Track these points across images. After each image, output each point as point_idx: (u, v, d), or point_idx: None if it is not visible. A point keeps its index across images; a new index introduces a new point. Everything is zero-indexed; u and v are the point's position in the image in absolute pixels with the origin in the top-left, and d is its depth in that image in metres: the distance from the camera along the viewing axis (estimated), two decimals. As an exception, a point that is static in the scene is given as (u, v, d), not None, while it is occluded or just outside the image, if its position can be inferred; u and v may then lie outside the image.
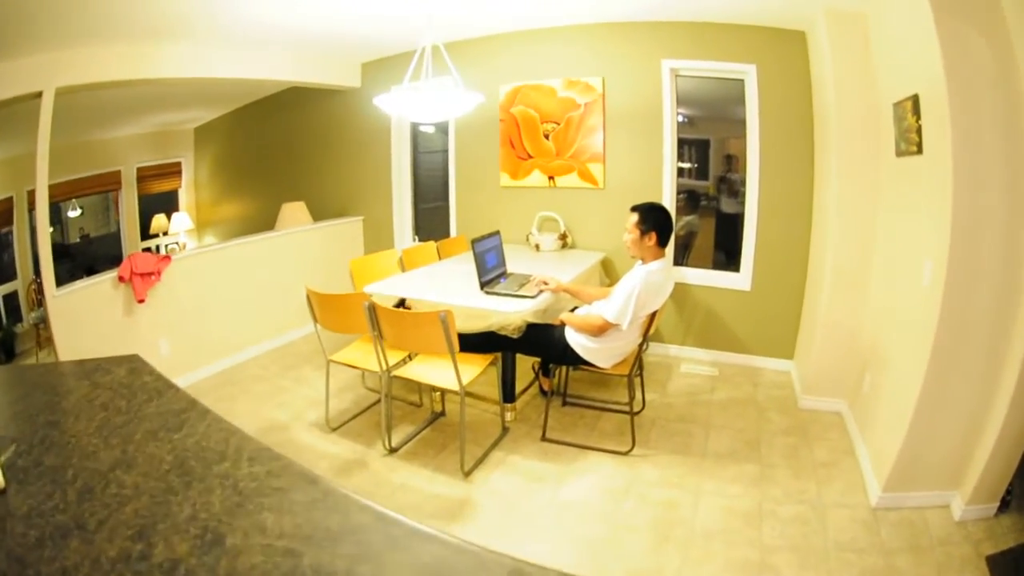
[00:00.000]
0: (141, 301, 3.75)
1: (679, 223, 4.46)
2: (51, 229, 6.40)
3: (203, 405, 1.60)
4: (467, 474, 2.98)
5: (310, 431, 3.47)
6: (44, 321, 4.20)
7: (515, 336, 3.03)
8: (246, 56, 4.43)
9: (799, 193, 3.95)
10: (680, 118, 4.36)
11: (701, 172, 4.61)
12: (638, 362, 3.18)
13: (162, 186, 7.11)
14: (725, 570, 2.34)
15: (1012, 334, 2.34)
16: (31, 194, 5.84)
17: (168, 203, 7.22)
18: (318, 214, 5.63)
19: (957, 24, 2.24)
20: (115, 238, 6.95)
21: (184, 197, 7.25)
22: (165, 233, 7.01)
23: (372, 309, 2.93)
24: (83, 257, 6.59)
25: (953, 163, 2.26)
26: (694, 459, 3.12)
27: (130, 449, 1.34)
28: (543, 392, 3.72)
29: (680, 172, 4.45)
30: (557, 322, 3.20)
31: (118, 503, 1.13)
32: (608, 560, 2.42)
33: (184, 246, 7.05)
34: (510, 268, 3.62)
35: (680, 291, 4.38)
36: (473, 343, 3.09)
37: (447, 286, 3.42)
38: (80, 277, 3.75)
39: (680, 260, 4.59)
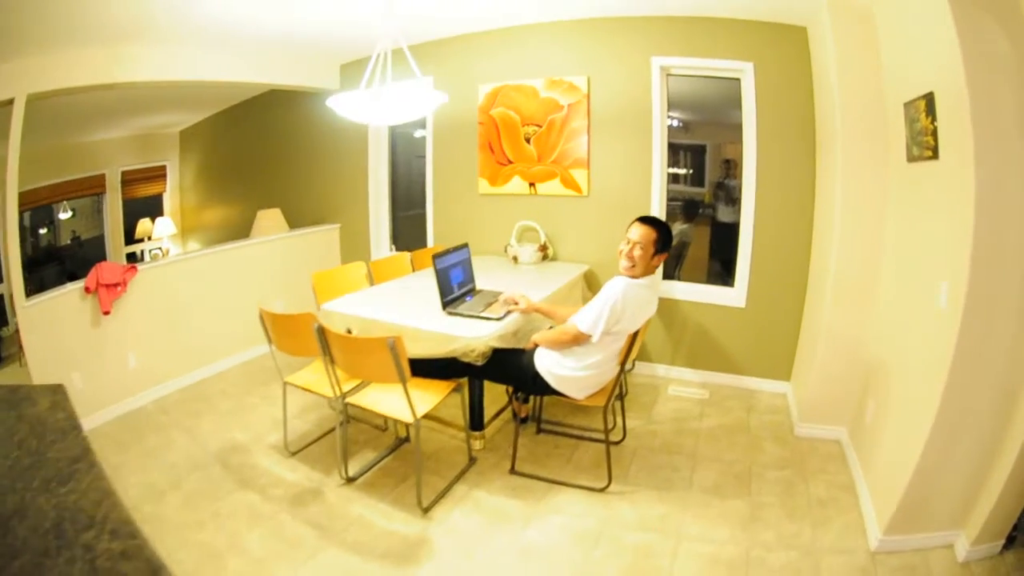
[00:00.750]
0: (106, 313, 3.52)
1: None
2: (43, 231, 6.29)
3: (94, 456, 1.47)
4: (426, 510, 2.68)
5: (269, 454, 3.20)
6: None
7: (479, 363, 2.71)
8: (219, 58, 4.17)
9: (799, 202, 3.60)
10: (675, 122, 4.03)
11: (697, 179, 4.27)
12: (616, 391, 2.84)
13: (147, 190, 6.86)
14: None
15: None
16: (20, 196, 5.66)
17: (155, 207, 6.99)
18: (295, 221, 5.36)
19: (976, 14, 1.93)
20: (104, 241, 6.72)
21: (168, 202, 7.01)
22: (149, 238, 6.77)
23: (321, 332, 2.64)
24: (72, 260, 6.41)
25: (975, 170, 1.94)
26: (677, 496, 2.78)
27: (27, 497, 1.27)
28: (517, 419, 3.38)
29: (675, 179, 4.12)
30: (529, 346, 2.87)
31: (10, 555, 1.08)
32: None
33: (167, 252, 6.82)
34: (482, 284, 3.30)
35: (669, 307, 4.04)
36: (437, 367, 2.79)
37: (410, 305, 3.10)
38: (68, 280, 3.57)
39: (671, 273, 4.24)
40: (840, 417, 3.15)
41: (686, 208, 4.26)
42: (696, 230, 4.33)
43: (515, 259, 4.12)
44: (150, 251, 6.84)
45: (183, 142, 6.82)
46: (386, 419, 3.38)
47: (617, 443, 3.23)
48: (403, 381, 2.49)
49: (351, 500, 2.79)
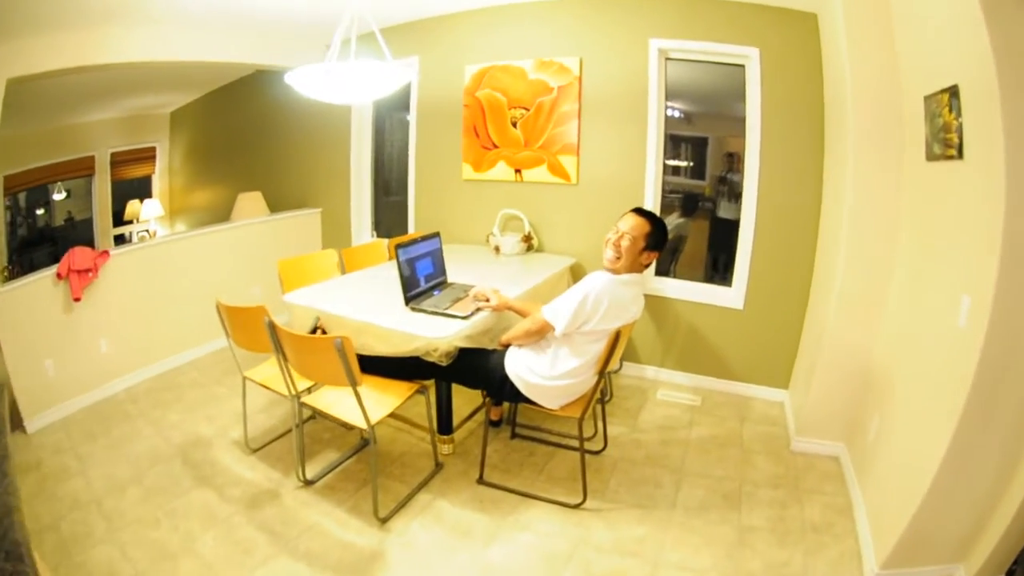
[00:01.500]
0: (77, 299, 3.33)
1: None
2: (40, 211, 6.07)
3: (8, 465, 1.35)
4: (384, 520, 2.42)
5: (231, 450, 2.98)
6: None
7: (443, 363, 2.42)
8: (202, 38, 3.88)
9: (804, 199, 3.26)
10: (676, 113, 3.68)
11: (698, 172, 3.92)
12: (594, 401, 2.53)
13: (136, 172, 6.59)
14: None
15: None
16: (6, 179, 5.44)
17: (145, 189, 6.73)
18: (276, 205, 5.07)
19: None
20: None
21: (158, 183, 6.73)
22: (138, 220, 6.52)
23: (272, 328, 2.36)
24: (66, 241, 6.16)
25: (1005, 172, 1.64)
26: (659, 516, 2.49)
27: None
28: (491, 422, 3.10)
29: (675, 171, 3.78)
30: (499, 346, 2.57)
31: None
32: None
33: (154, 234, 6.54)
34: (457, 276, 2.99)
35: (662, 305, 3.71)
36: (405, 366, 2.51)
37: (375, 298, 2.80)
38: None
39: (665, 269, 3.90)
40: (839, 432, 2.85)
41: (684, 201, 3.91)
42: (694, 225, 3.98)
43: (497, 249, 3.81)
44: (137, 233, 6.59)
45: (173, 123, 6.53)
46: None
47: (597, 453, 2.93)
48: (353, 385, 2.21)
49: (307, 504, 2.55)
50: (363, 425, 2.30)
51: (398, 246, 2.59)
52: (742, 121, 3.42)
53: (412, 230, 4.40)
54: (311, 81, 2.51)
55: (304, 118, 4.86)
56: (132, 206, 6.51)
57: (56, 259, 3.40)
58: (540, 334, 2.39)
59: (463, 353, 2.46)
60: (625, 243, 2.32)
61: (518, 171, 3.90)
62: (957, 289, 1.92)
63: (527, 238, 3.79)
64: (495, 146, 3.95)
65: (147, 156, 6.55)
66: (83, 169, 6.10)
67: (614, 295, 2.28)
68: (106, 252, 3.51)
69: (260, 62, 4.32)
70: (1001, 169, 1.65)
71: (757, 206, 3.40)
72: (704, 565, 2.20)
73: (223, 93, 5.69)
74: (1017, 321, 1.70)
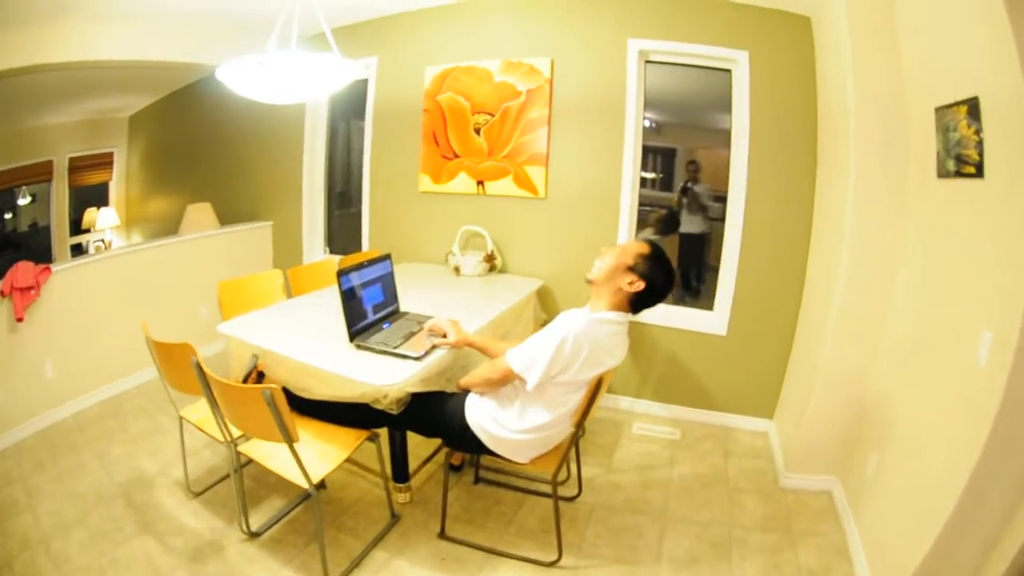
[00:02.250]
0: (19, 320, 2.97)
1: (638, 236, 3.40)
2: (8, 216, 5.55)
3: None
4: (335, 583, 2.06)
5: (173, 492, 2.63)
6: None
7: (394, 411, 2.04)
8: (143, 34, 3.45)
9: (794, 215, 2.96)
10: (646, 122, 3.33)
11: (666, 185, 3.60)
12: (569, 453, 2.17)
13: (94, 178, 6.08)
14: None
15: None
16: None
17: (104, 196, 6.22)
18: (227, 217, 4.61)
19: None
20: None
21: (115, 191, 6.21)
22: (94, 229, 6.01)
23: (200, 370, 1.98)
24: (28, 248, 5.74)
25: None
26: (643, 573, 2.17)
27: None
28: (452, 468, 2.72)
29: (642, 183, 3.43)
30: (457, 388, 2.19)
31: None
32: None
33: (110, 244, 6.05)
34: (411, 302, 2.61)
35: (638, 331, 3.29)
36: (352, 410, 2.13)
37: (318, 330, 2.41)
38: None
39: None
40: (831, 465, 2.57)
41: (663, 217, 3.56)
42: (667, 241, 3.64)
43: (457, 270, 3.41)
44: (93, 243, 6.08)
45: (131, 128, 6.02)
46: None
47: (571, 500, 2.59)
48: (288, 441, 1.83)
49: (252, 560, 2.20)
50: (303, 484, 1.92)
51: (340, 272, 2.19)
52: (713, 132, 3.15)
53: (366, 246, 3.99)
54: (244, 76, 2.10)
55: (256, 124, 4.41)
56: (89, 214, 6.00)
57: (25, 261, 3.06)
58: (503, 383, 2.01)
59: (416, 398, 2.08)
60: (606, 261, 1.92)
61: (480, 183, 3.51)
62: (974, 322, 1.67)
63: (490, 257, 3.40)
64: (456, 155, 3.55)
65: (105, 162, 6.06)
66: (42, 174, 5.63)
67: (594, 338, 1.87)
68: (47, 268, 3.13)
69: (200, 61, 3.84)
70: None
71: (744, 222, 3.07)
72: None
73: (180, 97, 5.22)
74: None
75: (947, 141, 1.81)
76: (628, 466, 2.90)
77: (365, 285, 2.33)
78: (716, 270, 3.25)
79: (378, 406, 2.03)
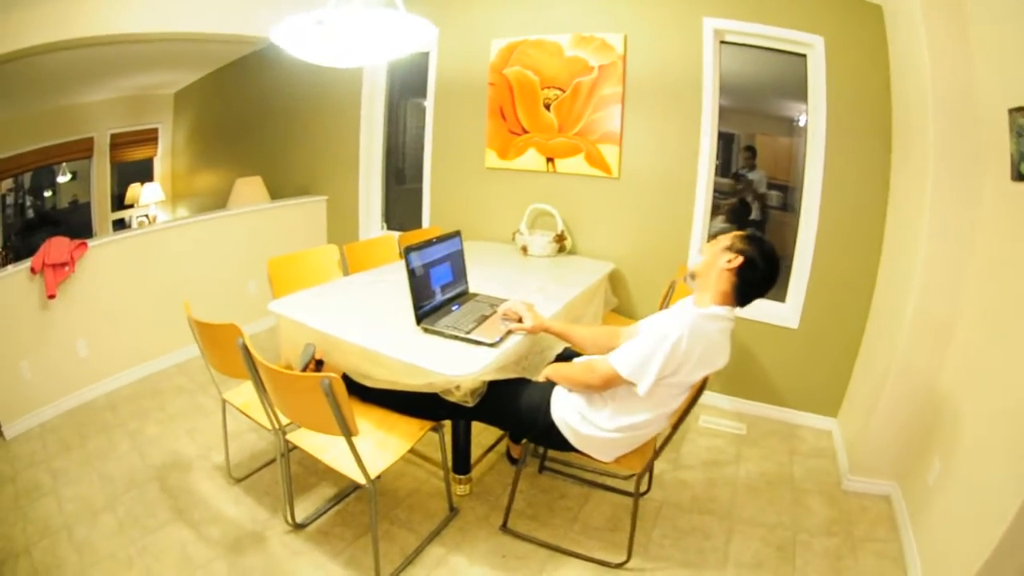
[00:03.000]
0: (51, 297, 2.77)
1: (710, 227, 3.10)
2: (48, 193, 5.45)
3: None
4: (388, 580, 1.83)
5: (212, 477, 2.40)
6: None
7: (469, 404, 1.79)
8: (194, 5, 3.22)
9: (867, 209, 2.65)
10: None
11: (723, 170, 3.25)
12: (656, 454, 1.90)
13: (137, 154, 5.84)
14: None
15: None
16: (2, 163, 4.77)
17: (148, 172, 6.00)
18: (278, 192, 4.35)
19: None
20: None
21: (160, 166, 5.98)
22: (138, 204, 5.84)
23: (247, 352, 1.74)
24: (68, 225, 5.50)
25: None
26: (707, 578, 1.91)
27: None
28: (511, 460, 2.48)
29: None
30: (541, 379, 1.91)
31: None
32: None
33: (154, 219, 5.84)
34: (479, 283, 2.35)
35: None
36: (415, 400, 1.87)
37: (380, 310, 2.17)
38: None
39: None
40: (892, 470, 2.35)
41: (735, 208, 3.21)
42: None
43: (524, 250, 3.12)
44: (136, 218, 5.88)
45: (177, 103, 5.77)
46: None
47: (641, 495, 2.31)
48: (347, 435, 1.60)
49: (297, 554, 1.98)
50: (360, 479, 1.69)
51: (408, 249, 1.93)
52: (773, 118, 2.86)
53: (427, 223, 3.72)
54: (301, 36, 1.85)
55: (310, 96, 4.16)
56: (133, 189, 5.79)
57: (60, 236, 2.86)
58: (605, 388, 1.72)
59: (492, 387, 1.83)
60: (704, 255, 1.68)
61: (550, 160, 3.21)
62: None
63: (560, 238, 3.10)
64: (525, 131, 3.24)
65: (149, 138, 5.81)
66: (81, 151, 5.39)
67: (707, 336, 1.61)
68: (84, 243, 2.90)
69: (253, 33, 3.60)
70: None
71: (819, 214, 2.75)
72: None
73: (229, 71, 4.94)
74: None
75: (1020, 145, 1.65)
76: (695, 461, 2.63)
77: (433, 264, 2.06)
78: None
79: (450, 398, 1.77)
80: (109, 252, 3.09)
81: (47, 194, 5.46)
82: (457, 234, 2.21)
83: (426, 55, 3.58)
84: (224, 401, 2.20)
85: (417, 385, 1.78)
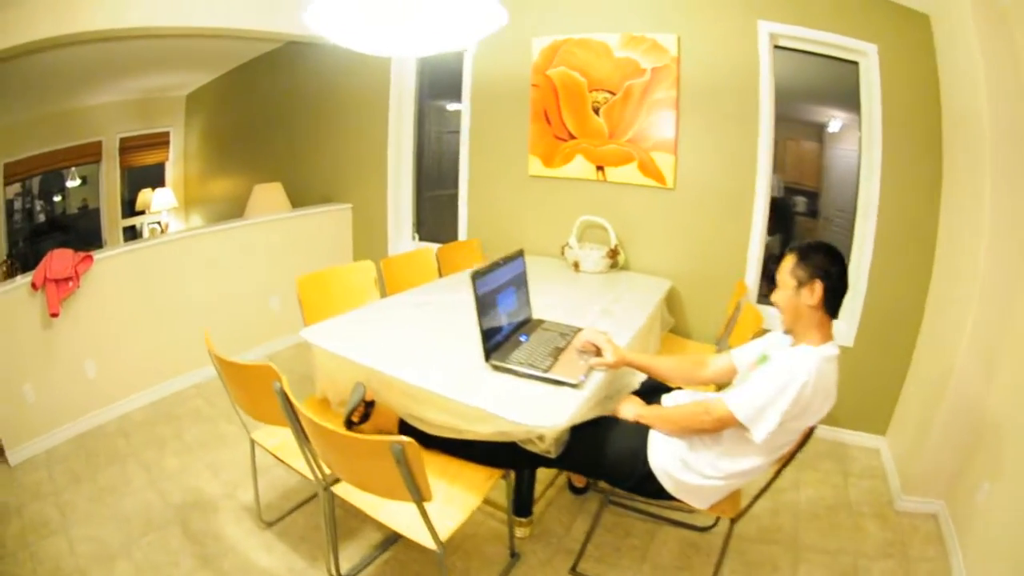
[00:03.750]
0: (54, 315, 2.43)
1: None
2: (57, 198, 5.07)
3: None
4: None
5: (240, 519, 2.08)
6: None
7: (551, 454, 1.47)
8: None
9: (921, 226, 2.44)
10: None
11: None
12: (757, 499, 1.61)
13: (147, 158, 5.46)
14: None
15: None
16: (8, 167, 4.40)
17: (159, 177, 5.62)
18: (299, 199, 3.99)
19: None
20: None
21: (171, 171, 5.60)
22: (149, 210, 5.46)
23: (286, 400, 1.42)
24: (76, 230, 5.15)
25: None
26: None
27: None
28: (573, 489, 2.18)
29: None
30: (630, 417, 1.59)
31: None
32: None
33: (166, 226, 5.47)
34: (537, 310, 2.02)
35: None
36: (483, 447, 1.55)
37: (434, 340, 1.84)
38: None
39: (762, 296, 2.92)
40: (941, 489, 2.23)
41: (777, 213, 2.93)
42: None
43: (576, 265, 2.80)
44: (148, 224, 5.50)
45: (189, 106, 5.39)
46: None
47: (706, 529, 2.07)
48: (418, 501, 1.28)
49: None
50: (429, 544, 1.38)
51: (475, 275, 1.60)
52: (796, 123, 2.69)
53: (463, 235, 3.38)
54: (340, 18, 1.51)
55: (333, 99, 3.82)
56: (143, 195, 5.39)
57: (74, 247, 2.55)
58: (715, 431, 1.46)
59: (576, 432, 1.52)
60: (778, 301, 1.48)
61: (600, 168, 2.88)
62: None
63: (613, 252, 2.77)
64: (572, 136, 2.91)
65: (160, 142, 5.42)
66: (90, 155, 5.00)
67: (828, 378, 1.39)
68: (89, 256, 2.55)
69: (275, 30, 3.25)
70: None
71: (877, 229, 2.52)
72: None
73: (244, 72, 4.59)
74: None
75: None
76: (755, 488, 2.38)
77: (499, 289, 1.74)
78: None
79: (532, 448, 1.46)
80: (118, 265, 2.73)
81: (56, 199, 5.09)
82: (520, 255, 1.89)
83: (457, 54, 3.25)
84: (253, 442, 1.87)
85: (487, 434, 1.46)
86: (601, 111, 2.81)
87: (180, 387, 3.02)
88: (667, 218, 2.80)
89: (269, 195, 3.85)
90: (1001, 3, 1.84)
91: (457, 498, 1.52)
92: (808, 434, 1.43)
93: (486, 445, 1.51)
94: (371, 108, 3.60)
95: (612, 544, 1.99)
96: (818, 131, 2.75)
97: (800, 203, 2.90)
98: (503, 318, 1.74)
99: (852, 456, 2.65)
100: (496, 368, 1.60)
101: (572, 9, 2.86)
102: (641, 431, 1.55)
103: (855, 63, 2.53)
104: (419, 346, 1.80)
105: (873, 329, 2.59)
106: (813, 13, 2.47)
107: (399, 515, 1.45)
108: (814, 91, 2.64)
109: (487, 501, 2.08)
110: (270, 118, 4.38)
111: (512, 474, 1.74)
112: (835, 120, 2.77)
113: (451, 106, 3.58)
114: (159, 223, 5.46)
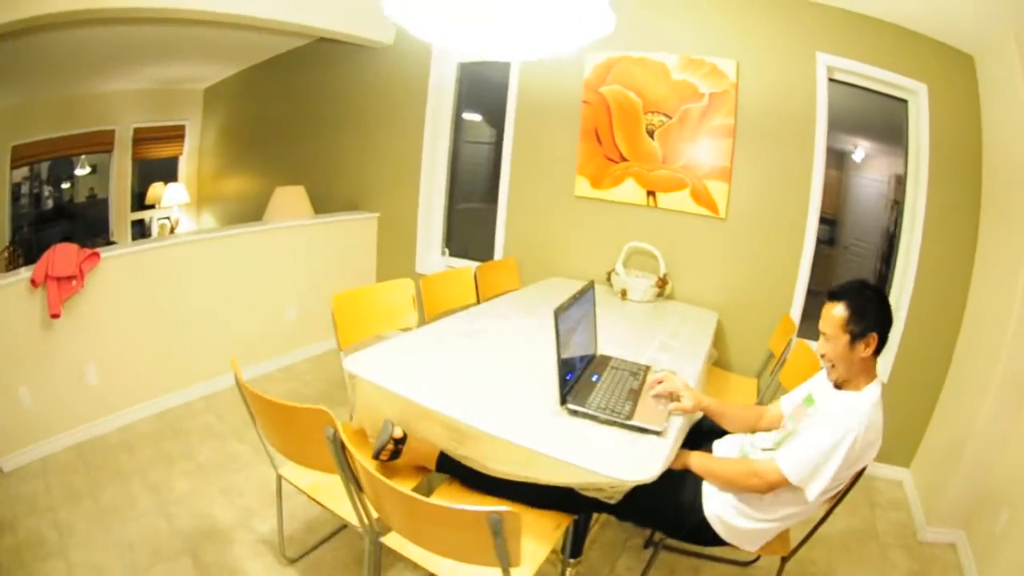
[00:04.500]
0: (55, 316, 2.16)
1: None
2: (65, 185, 4.79)
3: None
4: None
5: (259, 554, 1.83)
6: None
7: (613, 500, 1.30)
8: None
9: (959, 263, 2.37)
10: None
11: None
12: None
13: (161, 151, 5.17)
14: None
15: None
16: (16, 150, 4.14)
17: (172, 171, 5.32)
18: (320, 205, 3.74)
19: None
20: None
21: (185, 166, 5.30)
22: (159, 205, 5.15)
23: (341, 449, 1.20)
24: (84, 219, 4.88)
25: None
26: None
27: None
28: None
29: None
30: (678, 466, 1.44)
31: None
32: None
33: (177, 222, 5.18)
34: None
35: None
36: (537, 489, 1.36)
37: (494, 378, 1.64)
38: (76, 241, 2.36)
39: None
40: (960, 518, 2.19)
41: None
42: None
43: (624, 294, 2.59)
44: (158, 220, 5.20)
45: (207, 100, 5.12)
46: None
47: (748, 564, 1.94)
48: (506, 569, 1.07)
49: None
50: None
51: (558, 311, 1.39)
52: (829, 151, 2.53)
53: (499, 253, 3.16)
54: (429, 12, 1.31)
55: (365, 102, 3.61)
56: (154, 189, 5.09)
57: (66, 238, 2.31)
58: (767, 491, 1.36)
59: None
60: (828, 351, 1.39)
61: (651, 193, 2.69)
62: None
63: (662, 282, 2.59)
64: (623, 158, 2.73)
65: (175, 135, 5.14)
66: (101, 144, 4.71)
67: (876, 424, 1.33)
68: (95, 253, 2.29)
69: (311, 24, 3.00)
70: None
71: (919, 265, 2.42)
72: None
73: (267, 68, 4.35)
74: None
75: None
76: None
77: (574, 326, 1.55)
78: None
79: (589, 493, 1.29)
80: (126, 264, 2.45)
81: (64, 186, 4.80)
82: (591, 287, 1.69)
83: (495, 64, 3.10)
84: (280, 478, 1.62)
85: (559, 482, 1.27)
86: (656, 134, 2.64)
87: (188, 399, 2.74)
88: (715, 248, 2.63)
89: (291, 199, 3.59)
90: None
91: (525, 549, 1.32)
92: (859, 475, 1.38)
93: (540, 487, 1.33)
94: (406, 114, 3.39)
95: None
96: (839, 158, 2.65)
97: (821, 231, 2.79)
98: (575, 355, 1.55)
99: (877, 488, 2.59)
100: (574, 413, 1.40)
101: (629, 26, 2.67)
102: (696, 479, 1.44)
103: (889, 95, 2.45)
104: (476, 381, 1.58)
105: (905, 366, 2.49)
106: (868, 47, 2.37)
107: (460, 568, 1.24)
108: (840, 118, 2.54)
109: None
110: (294, 118, 4.14)
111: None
112: (859, 148, 2.68)
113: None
114: (168, 218, 5.17)
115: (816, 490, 1.29)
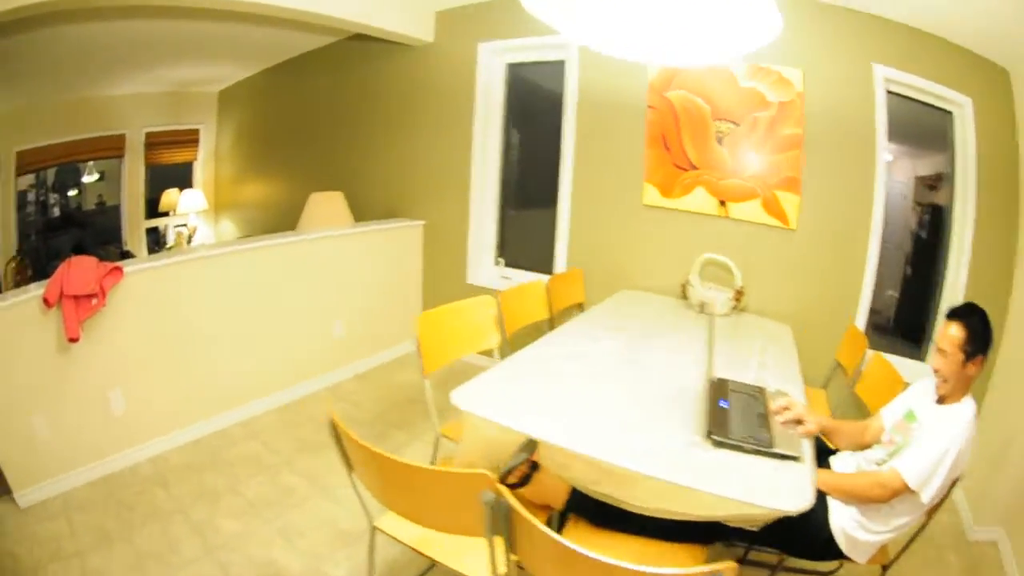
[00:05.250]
0: (73, 340, 1.92)
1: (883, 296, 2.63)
2: (72, 192, 4.50)
3: None
4: None
5: None
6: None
7: (757, 529, 1.25)
8: None
9: (1003, 267, 2.35)
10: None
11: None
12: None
13: (175, 156, 4.93)
14: None
15: None
16: (21, 155, 3.89)
17: (186, 177, 5.08)
18: (359, 212, 3.52)
19: None
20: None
21: (200, 172, 5.06)
22: (175, 212, 4.89)
23: (506, 515, 1.01)
24: (94, 227, 4.61)
25: None
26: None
27: None
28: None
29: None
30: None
31: None
32: None
33: (194, 230, 4.91)
34: (654, 344, 1.76)
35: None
36: (671, 523, 1.26)
37: (617, 407, 1.49)
38: (83, 251, 2.21)
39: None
40: (1000, 516, 2.18)
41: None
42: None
43: (702, 307, 2.48)
44: (174, 227, 4.93)
45: (222, 104, 4.90)
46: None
47: (832, 573, 1.82)
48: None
49: None
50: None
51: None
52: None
53: (561, 264, 3.00)
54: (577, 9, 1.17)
55: (405, 102, 3.42)
56: (169, 196, 4.82)
57: (78, 248, 2.13)
58: (890, 498, 1.40)
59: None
60: (943, 366, 1.46)
61: (723, 203, 2.58)
62: None
63: (739, 294, 2.47)
64: (693, 167, 2.61)
65: (189, 139, 4.89)
66: (111, 149, 4.46)
67: (972, 436, 1.42)
68: (118, 268, 2.06)
69: (348, 18, 2.82)
70: None
71: (968, 276, 2.39)
72: None
73: (288, 68, 4.15)
74: None
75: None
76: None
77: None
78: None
79: (746, 525, 1.24)
80: (152, 279, 2.23)
81: (72, 193, 4.54)
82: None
83: (550, 64, 2.96)
84: (375, 529, 1.38)
85: (699, 515, 1.20)
86: (724, 141, 2.53)
87: (223, 425, 2.51)
88: (786, 259, 2.53)
89: (328, 206, 3.37)
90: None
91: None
92: (953, 483, 1.41)
93: (677, 521, 1.25)
94: (451, 116, 3.22)
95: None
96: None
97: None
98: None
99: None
100: (718, 444, 1.29)
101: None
102: (821, 496, 1.39)
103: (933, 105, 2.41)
104: (603, 414, 1.45)
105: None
106: (920, 61, 2.33)
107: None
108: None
109: None
110: (323, 120, 3.92)
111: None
112: (885, 151, 2.59)
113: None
114: (186, 226, 4.90)
115: (930, 494, 1.34)
